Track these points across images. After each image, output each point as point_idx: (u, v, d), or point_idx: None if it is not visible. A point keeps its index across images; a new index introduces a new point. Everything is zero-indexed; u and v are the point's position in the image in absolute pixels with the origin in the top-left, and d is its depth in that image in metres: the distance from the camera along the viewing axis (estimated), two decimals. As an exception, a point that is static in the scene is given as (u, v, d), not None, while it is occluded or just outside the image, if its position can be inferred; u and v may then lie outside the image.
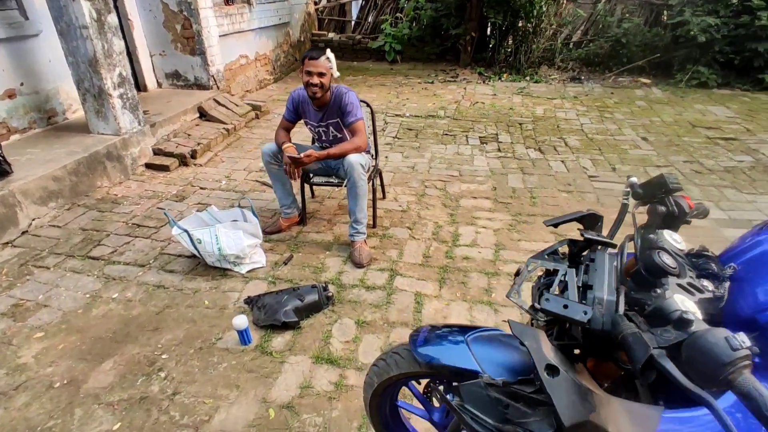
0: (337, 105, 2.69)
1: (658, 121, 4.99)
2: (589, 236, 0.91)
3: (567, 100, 5.89)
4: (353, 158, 2.59)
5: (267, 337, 2.15)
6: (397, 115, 5.41)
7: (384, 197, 3.48)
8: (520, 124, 5.08)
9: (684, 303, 0.75)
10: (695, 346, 0.65)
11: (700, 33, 5.72)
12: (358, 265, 2.68)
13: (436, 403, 1.42)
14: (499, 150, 4.40)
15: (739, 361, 0.61)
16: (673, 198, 1.01)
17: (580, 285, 0.87)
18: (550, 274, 1.02)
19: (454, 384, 0.95)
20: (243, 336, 2.08)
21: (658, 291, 0.81)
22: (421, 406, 1.44)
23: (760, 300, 0.87)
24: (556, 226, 1.02)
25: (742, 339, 0.63)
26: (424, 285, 2.54)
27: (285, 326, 2.18)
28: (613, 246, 0.91)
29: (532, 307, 0.89)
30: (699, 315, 0.75)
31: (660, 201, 1.00)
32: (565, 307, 0.73)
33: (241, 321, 2.05)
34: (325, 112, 2.74)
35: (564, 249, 1.07)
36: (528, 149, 4.39)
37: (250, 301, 2.34)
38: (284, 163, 2.64)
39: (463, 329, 1.22)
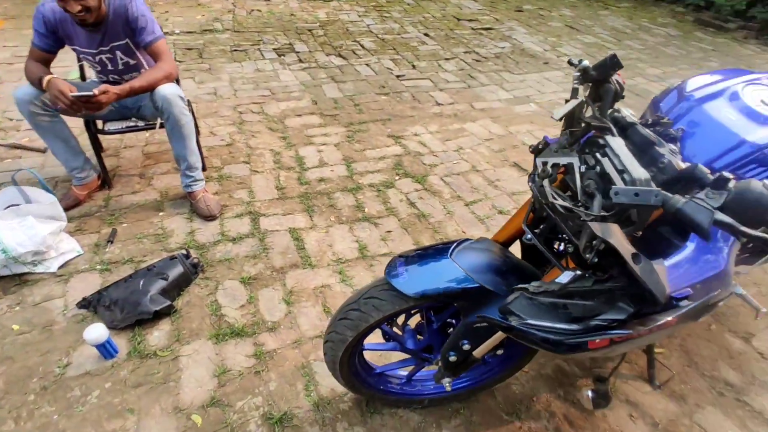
0: (122, 19, 1.99)
1: (431, 17, 5.37)
2: (597, 123, 0.89)
3: (343, 1, 5.77)
4: (168, 90, 2.02)
5: (137, 338, 1.68)
6: (165, 34, 4.42)
7: (198, 133, 2.92)
8: (310, 30, 4.79)
9: (700, 167, 0.81)
10: (744, 197, 0.71)
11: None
12: (210, 218, 2.25)
13: (398, 331, 1.36)
14: (300, 61, 4.10)
15: None
16: (614, 77, 1.07)
17: (596, 173, 0.86)
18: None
19: (504, 306, 0.89)
20: (105, 349, 1.57)
21: (665, 161, 0.86)
22: (384, 341, 1.36)
23: (709, 151, 1.04)
24: (561, 119, 0.97)
25: None
26: (294, 219, 2.32)
27: (157, 316, 1.72)
28: (609, 128, 0.92)
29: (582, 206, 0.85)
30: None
31: (607, 80, 1.05)
32: (636, 195, 0.71)
33: (98, 332, 1.52)
34: (105, 32, 2.00)
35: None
36: (329, 56, 4.22)
37: (88, 303, 1.75)
38: (51, 102, 1.86)
39: (437, 248, 1.15)
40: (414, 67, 4.10)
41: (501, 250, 1.17)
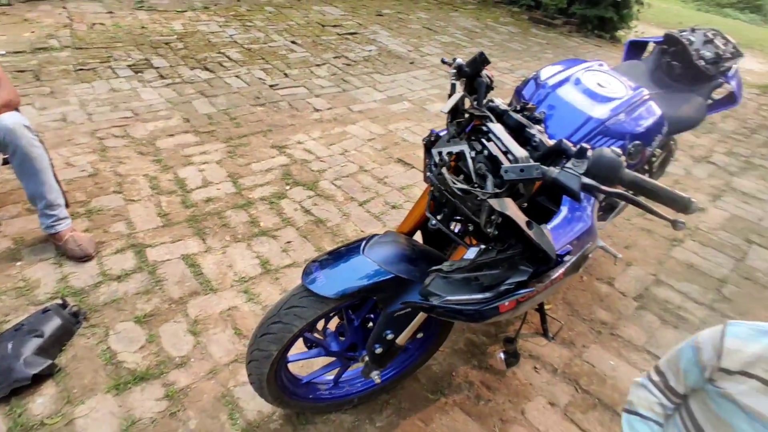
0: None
1: (295, 24, 5.36)
2: (478, 113, 1.00)
3: (199, 11, 5.47)
4: (9, 120, 1.76)
5: (16, 410, 1.43)
6: (-15, 55, 3.79)
7: (52, 165, 2.56)
8: (167, 43, 4.46)
9: (564, 142, 0.96)
10: (600, 162, 0.86)
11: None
12: (84, 258, 2.00)
13: (319, 336, 1.36)
14: (162, 77, 3.81)
15: (624, 163, 0.87)
16: (484, 71, 1.20)
17: (486, 155, 0.96)
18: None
19: (424, 289, 0.94)
20: (-27, 431, 1.32)
21: (537, 140, 1.00)
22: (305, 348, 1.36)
23: (566, 129, 1.23)
24: (448, 112, 1.05)
25: (618, 150, 0.89)
26: (185, 244, 2.17)
27: (37, 380, 1.49)
28: (488, 117, 1.03)
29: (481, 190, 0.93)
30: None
31: (479, 75, 1.17)
32: (522, 170, 0.82)
33: (-40, 413, 1.27)
34: None
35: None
36: (194, 70, 3.98)
37: (-61, 384, 1.45)
38: None
39: (349, 247, 1.18)
40: (286, 75, 4.07)
41: (407, 240, 1.24)
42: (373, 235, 1.21)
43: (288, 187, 2.64)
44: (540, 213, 1.16)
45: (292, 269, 2.10)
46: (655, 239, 2.60)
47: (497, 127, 0.96)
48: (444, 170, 0.92)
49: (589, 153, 0.88)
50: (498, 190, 0.86)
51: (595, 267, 2.31)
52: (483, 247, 0.95)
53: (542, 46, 5.84)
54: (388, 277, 1.09)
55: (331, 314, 1.27)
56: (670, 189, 0.83)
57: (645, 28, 7.33)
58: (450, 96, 1.08)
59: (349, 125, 3.37)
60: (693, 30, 2.10)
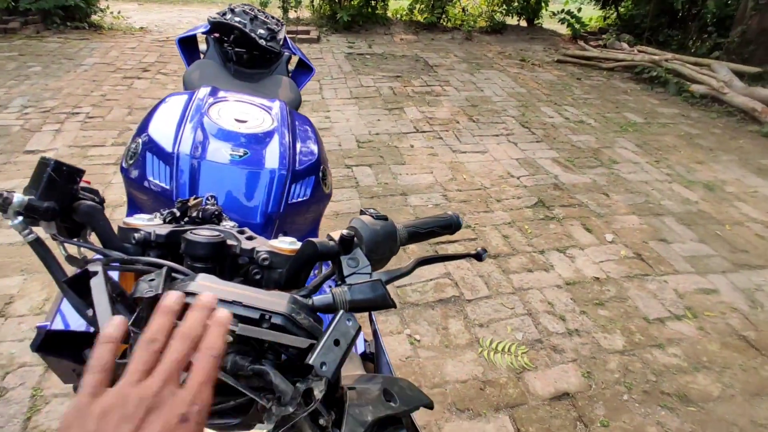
0: None
1: None
2: (147, 291, 0.50)
3: None
4: None
5: None
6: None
7: None
8: None
9: (319, 241, 0.62)
10: (373, 240, 0.64)
11: None
12: None
13: None
14: None
15: (391, 220, 0.68)
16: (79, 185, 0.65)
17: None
18: None
19: None
20: None
21: (264, 255, 0.64)
22: None
23: (256, 199, 0.98)
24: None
25: (374, 211, 0.68)
26: None
27: None
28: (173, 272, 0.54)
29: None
30: None
31: (75, 198, 0.63)
32: (337, 343, 0.49)
33: None
34: None
35: None
36: None
37: None
38: None
39: None
40: None
41: None
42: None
43: None
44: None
45: None
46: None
47: (209, 284, 0.50)
48: None
49: (356, 240, 0.63)
50: (313, 386, 0.46)
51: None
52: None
53: (33, 57, 4.44)
54: None
55: None
56: (436, 216, 0.74)
57: (119, 6, 6.71)
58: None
59: None
60: (232, 11, 1.86)
